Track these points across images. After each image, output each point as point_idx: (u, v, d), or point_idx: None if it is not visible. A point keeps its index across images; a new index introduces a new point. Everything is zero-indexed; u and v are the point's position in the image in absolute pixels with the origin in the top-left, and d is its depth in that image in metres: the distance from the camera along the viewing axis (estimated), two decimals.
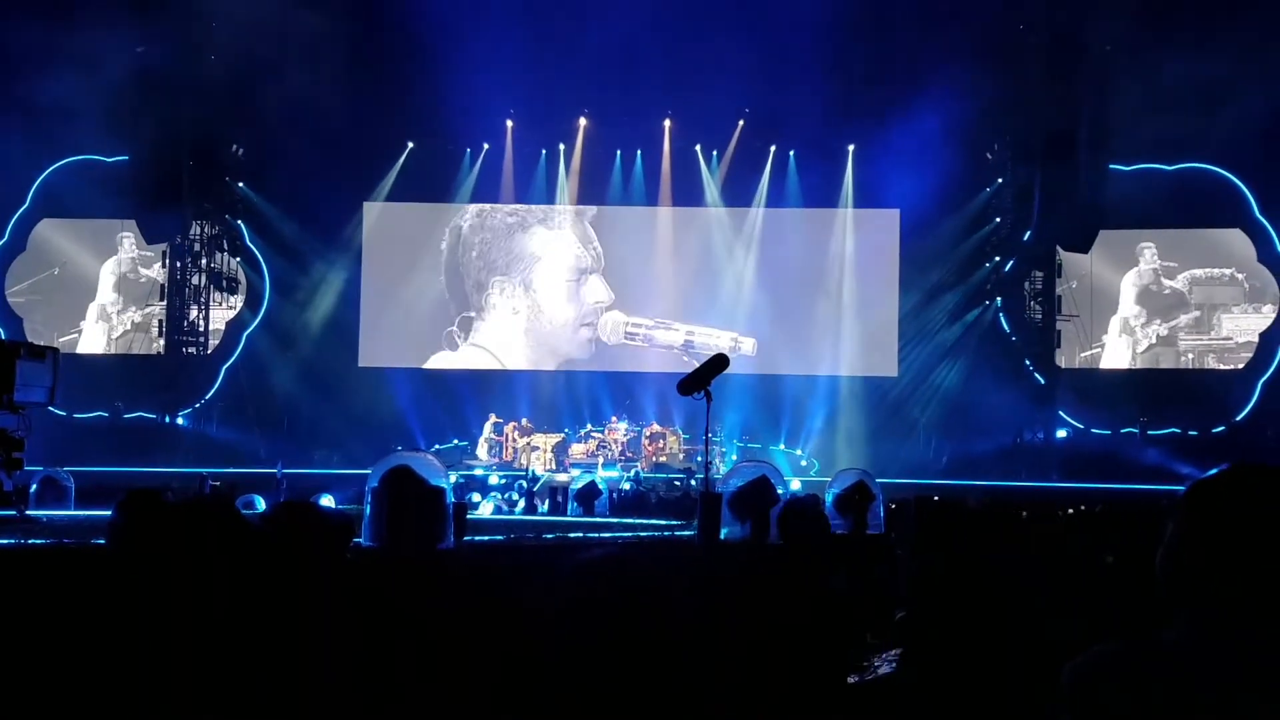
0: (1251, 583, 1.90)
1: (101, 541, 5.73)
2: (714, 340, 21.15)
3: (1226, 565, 1.92)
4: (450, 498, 5.86)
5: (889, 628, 4.17)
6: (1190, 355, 20.89)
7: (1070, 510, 10.31)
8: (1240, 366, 20.54)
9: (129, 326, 21.72)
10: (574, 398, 21.04)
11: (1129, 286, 21.03)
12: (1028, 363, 20.31)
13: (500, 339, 21.75)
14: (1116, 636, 1.96)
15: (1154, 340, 20.94)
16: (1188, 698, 1.84)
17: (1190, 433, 19.65)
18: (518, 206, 21.87)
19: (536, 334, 21.77)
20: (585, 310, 21.64)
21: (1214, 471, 1.98)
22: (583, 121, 21.41)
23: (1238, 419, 19.82)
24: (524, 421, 20.45)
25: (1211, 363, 20.79)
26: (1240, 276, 20.70)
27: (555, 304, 21.74)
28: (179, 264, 20.93)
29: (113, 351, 21.45)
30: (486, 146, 21.63)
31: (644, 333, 21.57)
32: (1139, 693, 1.86)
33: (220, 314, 21.55)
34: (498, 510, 15.28)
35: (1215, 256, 20.82)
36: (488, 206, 21.89)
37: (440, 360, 21.67)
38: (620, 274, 21.78)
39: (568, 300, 21.73)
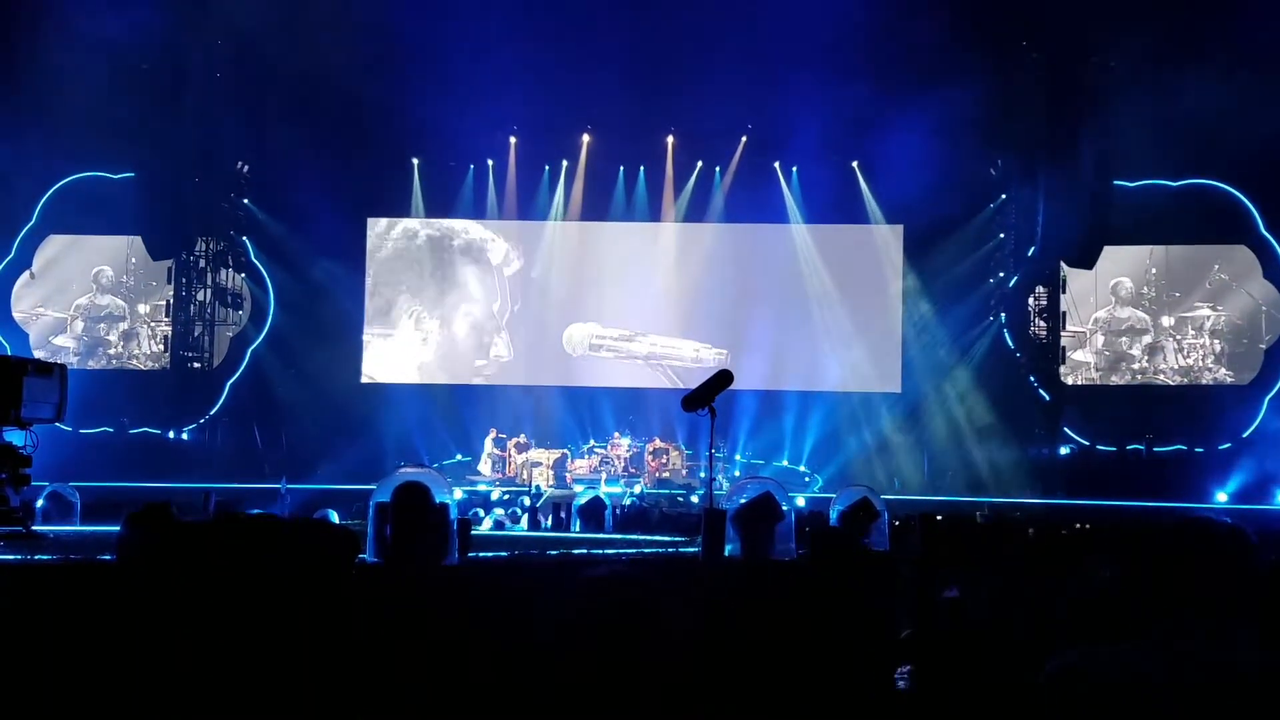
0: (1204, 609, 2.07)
1: (108, 557, 5.74)
2: (677, 351, 21.29)
3: (1184, 598, 2.10)
4: (454, 514, 5.87)
5: (895, 644, 4.17)
6: (1140, 377, 20.89)
7: (1078, 525, 10.30)
8: (1246, 382, 20.51)
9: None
10: (576, 413, 21.03)
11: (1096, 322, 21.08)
12: (1032, 379, 20.27)
13: (405, 358, 21.92)
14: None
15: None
16: (1157, 701, 1.95)
17: (1196, 449, 19.61)
18: (454, 223, 21.98)
19: (439, 354, 21.95)
20: (487, 363, 21.90)
21: (1171, 522, 2.24)
22: (586, 138, 21.47)
23: (1244, 435, 19.77)
24: (522, 437, 20.46)
25: (1222, 378, 20.74)
26: (1244, 291, 20.67)
27: (462, 337, 21.95)
28: (184, 280, 20.98)
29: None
30: (491, 163, 21.70)
31: (609, 344, 21.63)
32: (1113, 693, 1.97)
33: (224, 330, 21.58)
34: (497, 525, 15.25)
35: (1220, 272, 20.80)
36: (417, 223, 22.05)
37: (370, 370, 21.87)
38: (615, 288, 21.82)
39: (474, 339, 21.92)
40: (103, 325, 21.84)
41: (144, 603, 2.25)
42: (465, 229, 22.03)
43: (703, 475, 18.20)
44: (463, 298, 21.97)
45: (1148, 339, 21.04)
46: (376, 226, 22.05)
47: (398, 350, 21.91)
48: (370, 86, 19.51)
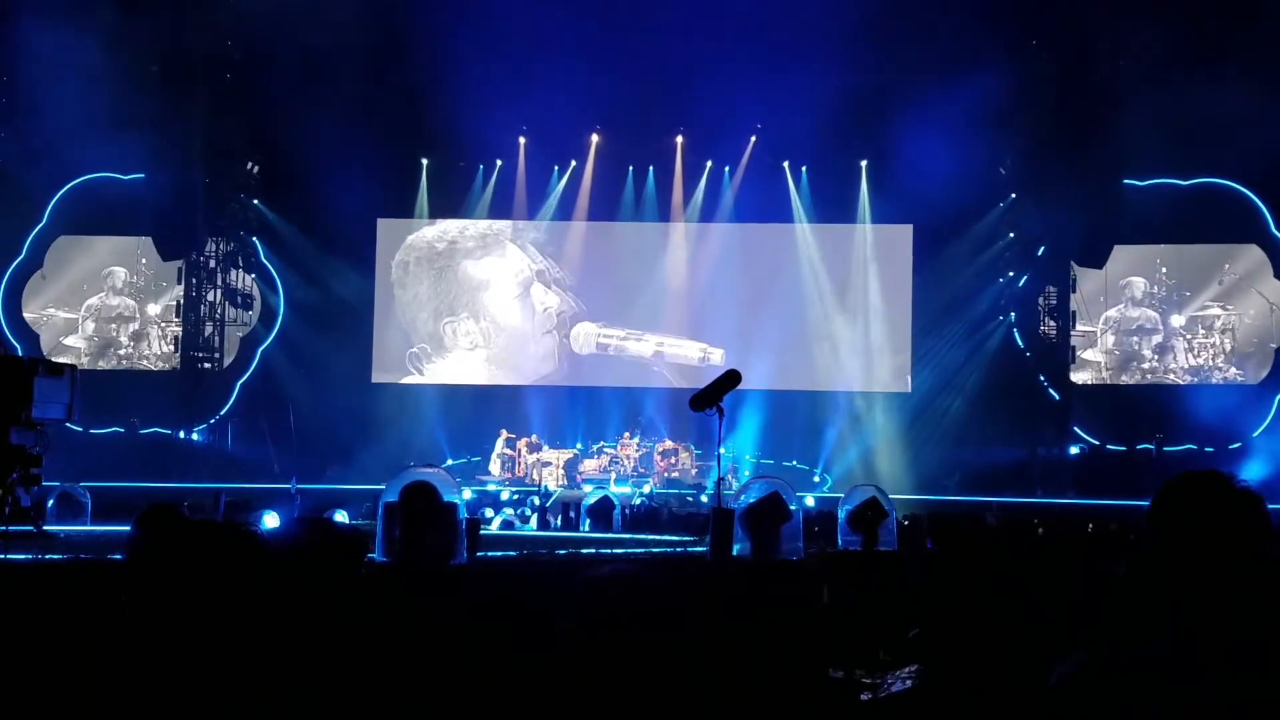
0: (1206, 579, 2.05)
1: (118, 556, 5.77)
2: (682, 351, 21.30)
3: (1183, 563, 2.07)
4: (463, 513, 5.89)
5: (903, 644, 4.16)
6: (1150, 376, 20.85)
7: (1090, 526, 10.30)
8: (1257, 382, 20.46)
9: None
10: (586, 413, 21.04)
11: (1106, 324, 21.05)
12: (1042, 378, 20.24)
13: (462, 370, 21.88)
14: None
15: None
16: (1169, 702, 1.92)
17: (1207, 449, 19.54)
18: (465, 223, 21.95)
19: (498, 359, 21.86)
20: (539, 319, 21.69)
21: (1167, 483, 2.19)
22: (595, 138, 21.47)
23: (1255, 435, 19.71)
24: (534, 438, 20.47)
25: (1233, 377, 20.68)
26: (1255, 291, 20.61)
27: (509, 323, 21.82)
28: (194, 280, 21.04)
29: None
30: (500, 163, 21.73)
31: (615, 343, 21.65)
32: (1122, 702, 1.94)
33: (235, 330, 21.63)
34: (506, 525, 15.29)
35: (1230, 271, 20.75)
36: (432, 230, 22.00)
37: (412, 381, 21.82)
38: (624, 288, 21.82)
39: (520, 316, 21.79)
40: (113, 326, 21.89)
41: (152, 602, 2.26)
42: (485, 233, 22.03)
43: (712, 475, 18.20)
44: (492, 280, 21.90)
45: (1158, 338, 20.99)
46: (384, 225, 22.08)
47: (413, 351, 21.91)
48: (380, 87, 19.54)
